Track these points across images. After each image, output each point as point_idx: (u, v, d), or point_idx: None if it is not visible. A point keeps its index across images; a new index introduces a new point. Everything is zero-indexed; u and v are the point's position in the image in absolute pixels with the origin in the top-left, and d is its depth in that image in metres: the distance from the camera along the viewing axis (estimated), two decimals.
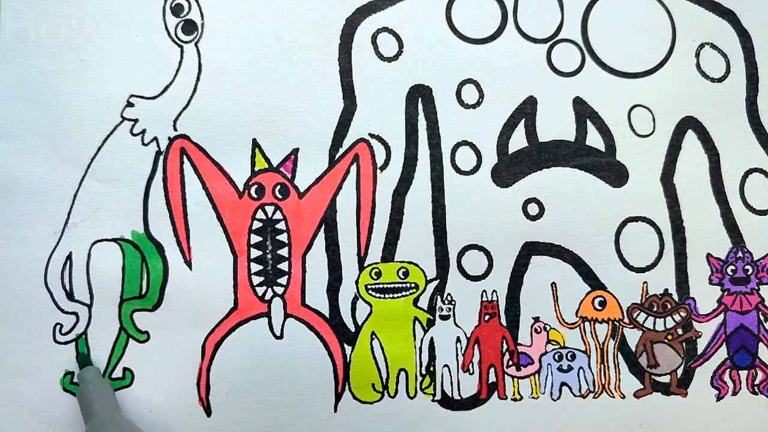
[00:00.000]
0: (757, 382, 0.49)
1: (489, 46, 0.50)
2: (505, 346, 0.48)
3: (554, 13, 0.50)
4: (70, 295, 0.46)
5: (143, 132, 0.47)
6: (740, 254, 0.50)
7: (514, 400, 0.48)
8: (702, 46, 0.51)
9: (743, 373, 0.49)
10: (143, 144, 0.47)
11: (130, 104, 0.47)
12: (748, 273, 0.50)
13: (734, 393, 0.49)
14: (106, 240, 0.47)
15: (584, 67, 0.50)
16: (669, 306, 0.49)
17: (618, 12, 0.50)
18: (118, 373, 0.46)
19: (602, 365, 0.49)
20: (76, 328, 0.46)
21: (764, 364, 0.49)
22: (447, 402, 0.48)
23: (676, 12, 0.51)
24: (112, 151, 0.47)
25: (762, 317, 0.49)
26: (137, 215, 0.47)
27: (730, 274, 0.49)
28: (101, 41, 0.48)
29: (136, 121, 0.47)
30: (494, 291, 0.48)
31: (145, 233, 0.47)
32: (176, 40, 0.48)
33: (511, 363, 0.48)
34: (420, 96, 0.49)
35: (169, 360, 0.47)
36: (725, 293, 0.49)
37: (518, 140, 0.49)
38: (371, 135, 0.49)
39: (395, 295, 0.48)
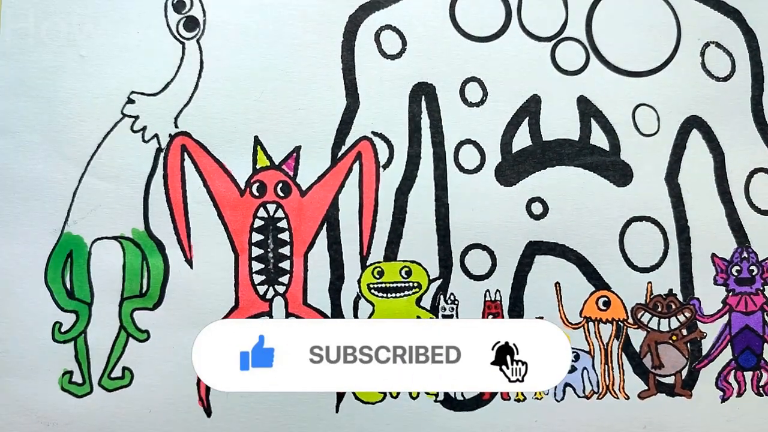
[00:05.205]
0: (762, 383, 0.49)
1: (493, 44, 0.49)
2: None
3: (559, 12, 0.50)
4: (70, 294, 0.46)
5: (144, 129, 0.47)
6: (745, 254, 0.49)
7: (518, 401, 0.48)
8: (707, 44, 0.50)
9: (748, 374, 0.49)
10: (144, 141, 0.47)
11: (130, 101, 0.47)
12: (753, 273, 0.49)
13: (739, 394, 0.49)
14: (107, 238, 0.47)
15: (588, 66, 0.50)
16: (673, 306, 0.49)
17: (622, 10, 0.50)
18: (117, 372, 0.46)
19: (606, 366, 0.48)
20: (76, 327, 0.46)
21: None
22: (450, 403, 0.48)
23: (681, 10, 0.50)
24: (112, 148, 0.47)
25: (767, 318, 0.49)
26: (138, 213, 0.47)
27: (735, 274, 0.49)
28: (102, 38, 0.47)
29: (136, 117, 0.47)
30: (497, 290, 0.48)
31: (145, 231, 0.47)
32: (178, 36, 0.48)
33: None
34: (423, 94, 0.49)
35: (169, 360, 0.46)
36: (730, 294, 0.49)
37: (522, 139, 0.49)
38: (374, 133, 0.48)
39: (398, 295, 0.48)
